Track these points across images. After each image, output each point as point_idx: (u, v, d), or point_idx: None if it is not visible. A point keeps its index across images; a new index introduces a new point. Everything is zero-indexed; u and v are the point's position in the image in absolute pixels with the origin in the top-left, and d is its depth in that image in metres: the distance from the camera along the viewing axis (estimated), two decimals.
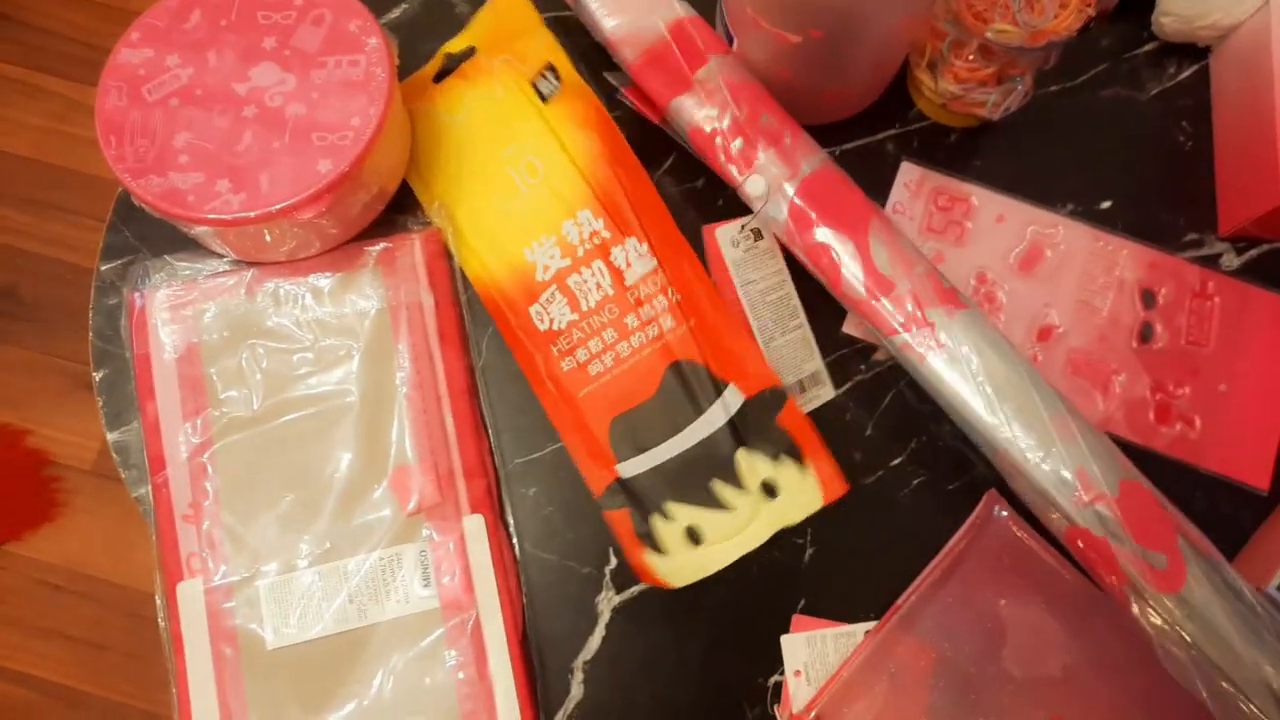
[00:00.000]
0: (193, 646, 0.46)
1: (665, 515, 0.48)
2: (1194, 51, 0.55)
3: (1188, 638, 0.39)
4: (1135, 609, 0.40)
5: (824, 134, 0.52)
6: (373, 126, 0.46)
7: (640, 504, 0.48)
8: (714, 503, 0.48)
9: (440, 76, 0.54)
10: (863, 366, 0.51)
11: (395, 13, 0.56)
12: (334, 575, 0.46)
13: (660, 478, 0.48)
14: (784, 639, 0.47)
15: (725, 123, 0.47)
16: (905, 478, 0.50)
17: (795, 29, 0.43)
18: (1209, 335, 0.51)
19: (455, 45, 0.54)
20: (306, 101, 0.46)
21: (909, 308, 0.44)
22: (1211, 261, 0.52)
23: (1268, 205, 0.48)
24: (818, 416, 0.50)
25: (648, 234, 0.51)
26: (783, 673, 0.47)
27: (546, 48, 0.53)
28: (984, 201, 0.53)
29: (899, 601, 0.47)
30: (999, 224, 0.53)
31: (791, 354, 0.50)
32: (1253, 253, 0.52)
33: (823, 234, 0.45)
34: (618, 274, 0.50)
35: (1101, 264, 0.52)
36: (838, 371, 0.51)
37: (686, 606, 0.48)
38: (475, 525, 0.47)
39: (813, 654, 0.47)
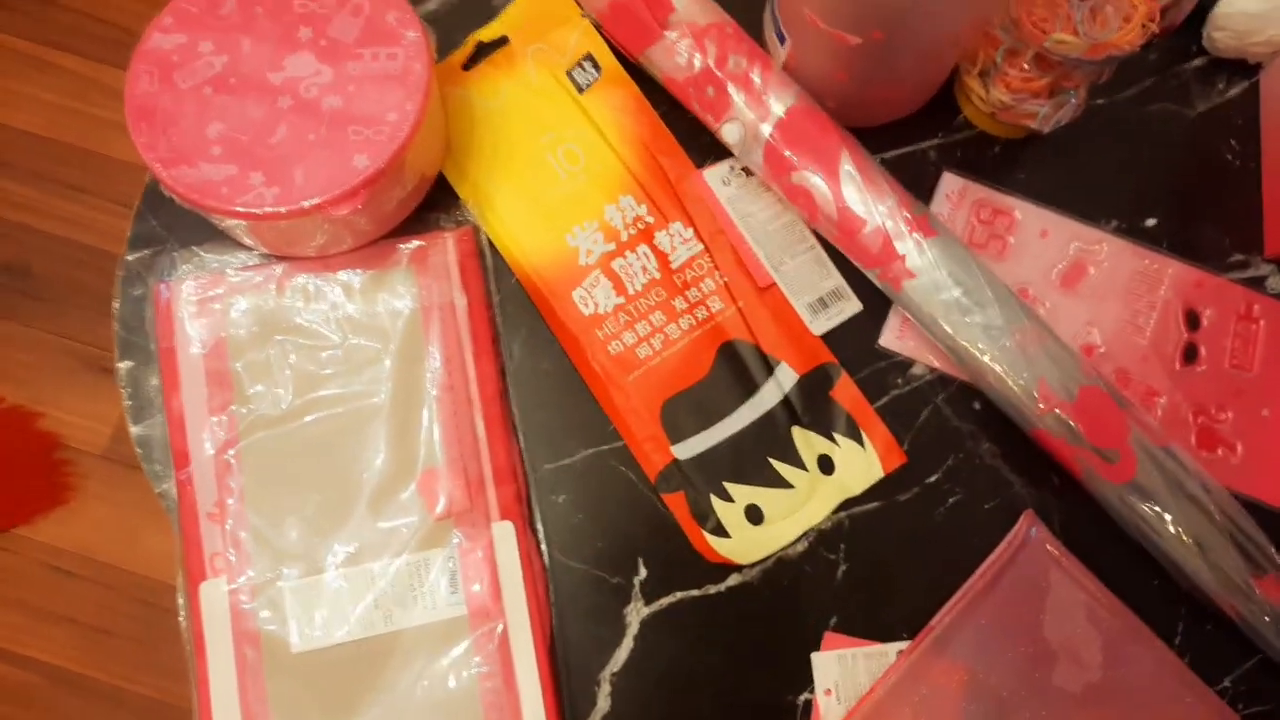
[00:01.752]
0: (215, 647, 0.45)
1: (724, 496, 0.48)
2: (1244, 68, 0.54)
3: (1140, 516, 0.45)
4: (1091, 488, 0.47)
5: (869, 138, 0.51)
6: (410, 121, 0.45)
7: (698, 485, 0.48)
8: (773, 481, 0.48)
9: (469, 65, 0.53)
10: (899, 381, 0.50)
11: (431, 4, 0.54)
12: (360, 579, 0.45)
13: (717, 458, 0.48)
14: (815, 656, 0.46)
15: (696, 69, 0.48)
16: (941, 495, 0.49)
17: (856, 29, 0.42)
18: (1253, 359, 0.50)
19: (487, 34, 0.53)
20: (343, 94, 0.45)
21: (880, 242, 0.46)
22: (1257, 283, 0.51)
23: None
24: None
25: (693, 219, 0.51)
26: (813, 691, 0.46)
27: (585, 37, 0.52)
28: (1027, 215, 0.52)
29: (933, 622, 0.46)
30: (1042, 239, 0.51)
31: (806, 275, 0.51)
32: None
33: (798, 177, 0.47)
34: (663, 257, 0.50)
35: (1146, 283, 0.51)
36: (875, 386, 0.50)
37: (717, 620, 0.47)
38: (505, 532, 0.47)
39: (844, 673, 0.46)
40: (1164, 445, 0.46)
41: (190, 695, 0.45)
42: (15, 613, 1.03)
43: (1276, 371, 0.50)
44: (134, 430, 0.49)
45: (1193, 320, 0.51)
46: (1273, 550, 0.45)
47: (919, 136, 0.53)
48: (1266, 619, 0.45)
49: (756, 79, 0.48)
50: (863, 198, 0.47)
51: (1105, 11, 0.41)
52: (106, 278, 1.10)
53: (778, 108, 0.48)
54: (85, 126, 1.13)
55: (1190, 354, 0.50)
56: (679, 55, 0.49)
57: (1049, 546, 0.47)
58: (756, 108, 0.48)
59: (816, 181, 0.47)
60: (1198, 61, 0.55)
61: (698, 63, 0.48)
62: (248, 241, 0.48)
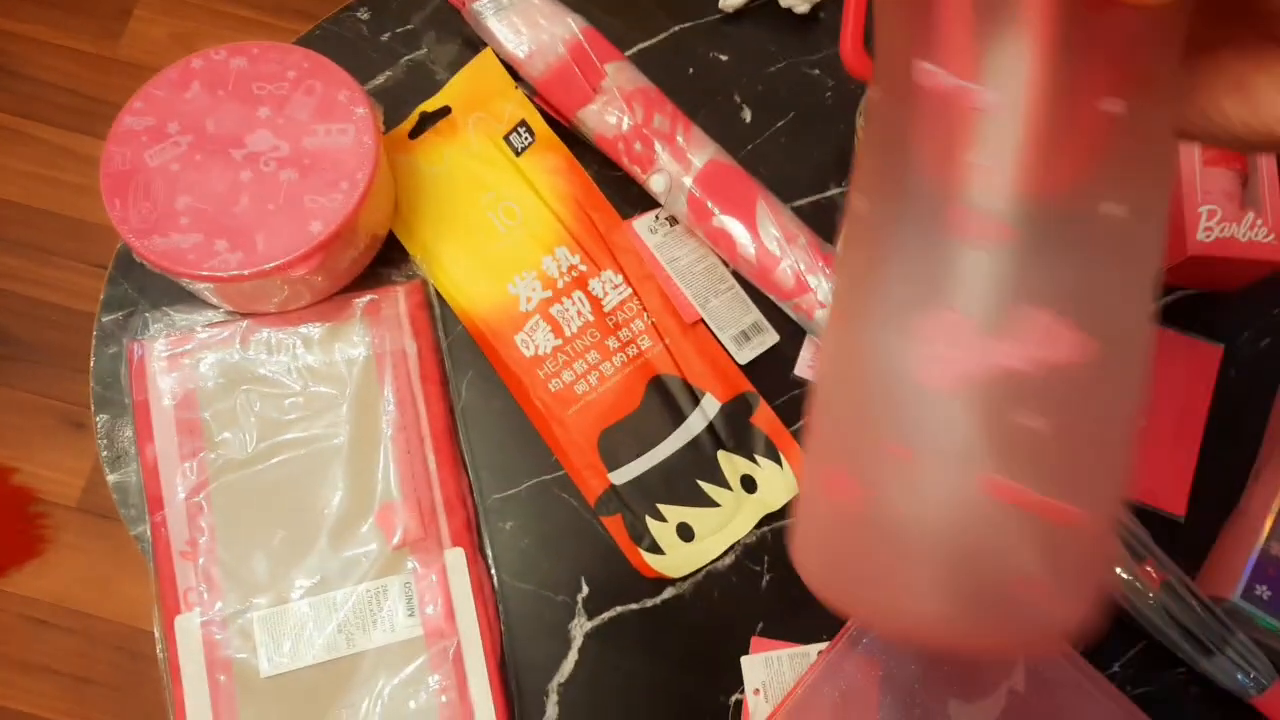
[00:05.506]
0: (190, 677, 0.49)
1: (658, 516, 0.52)
2: None
3: None
4: None
5: (782, 188, 0.56)
6: (360, 190, 0.50)
7: (634, 508, 0.53)
8: (702, 500, 0.53)
9: (415, 134, 0.58)
10: None
11: (380, 79, 0.60)
12: (324, 606, 0.49)
13: (650, 482, 0.53)
14: (744, 660, 0.51)
15: (625, 128, 0.55)
16: None
17: None
18: None
19: (431, 105, 0.58)
20: (299, 167, 0.50)
21: (793, 277, 0.52)
22: None
23: (1176, 257, 0.53)
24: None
25: (622, 267, 0.56)
26: (743, 691, 0.51)
27: (519, 107, 0.58)
28: None
29: (849, 623, 0.51)
30: None
31: (729, 311, 0.56)
32: (1167, 299, 0.57)
33: (719, 221, 0.53)
34: (596, 302, 0.55)
35: None
36: (791, 412, 0.55)
37: (654, 630, 0.51)
38: (456, 558, 0.51)
39: (770, 673, 0.51)
40: None
41: None
42: None
43: (1151, 387, 0.56)
44: (110, 478, 0.53)
45: None
46: (1149, 538, 0.51)
47: (830, 185, 0.59)
48: (1150, 602, 0.50)
49: (679, 136, 0.54)
50: (777, 238, 0.53)
51: None
52: (80, 336, 1.13)
53: (698, 160, 0.54)
54: (57, 192, 1.18)
55: None
56: (610, 115, 0.55)
57: None
58: (680, 161, 0.54)
59: (735, 225, 0.53)
60: None
61: (627, 122, 0.54)
62: (214, 301, 0.53)
